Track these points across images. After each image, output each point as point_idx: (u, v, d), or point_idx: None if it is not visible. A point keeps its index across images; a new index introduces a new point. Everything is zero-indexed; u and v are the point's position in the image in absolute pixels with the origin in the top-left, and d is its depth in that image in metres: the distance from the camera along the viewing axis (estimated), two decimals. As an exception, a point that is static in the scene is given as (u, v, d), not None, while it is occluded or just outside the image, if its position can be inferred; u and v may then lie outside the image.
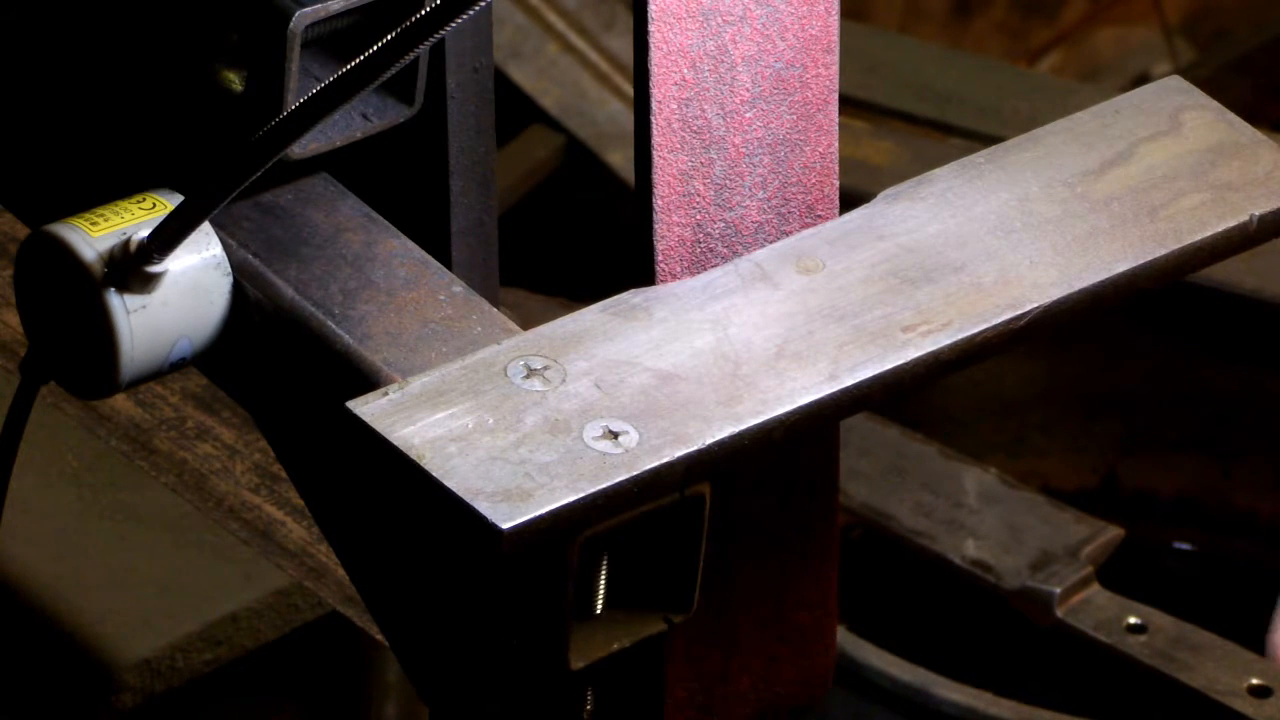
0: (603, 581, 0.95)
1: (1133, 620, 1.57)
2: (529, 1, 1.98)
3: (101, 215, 0.97)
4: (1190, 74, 1.08)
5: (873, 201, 0.99)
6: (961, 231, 0.98)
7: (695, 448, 0.90)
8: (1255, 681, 1.52)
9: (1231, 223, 1.00)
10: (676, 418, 0.90)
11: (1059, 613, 1.59)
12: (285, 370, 0.99)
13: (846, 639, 1.51)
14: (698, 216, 0.97)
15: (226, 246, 0.98)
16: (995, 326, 0.95)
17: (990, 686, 1.52)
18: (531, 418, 0.90)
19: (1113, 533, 1.64)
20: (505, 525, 0.87)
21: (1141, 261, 0.97)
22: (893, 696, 1.52)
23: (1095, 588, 1.60)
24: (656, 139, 0.95)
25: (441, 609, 1.01)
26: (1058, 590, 1.60)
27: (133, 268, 0.96)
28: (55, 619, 1.62)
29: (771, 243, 0.98)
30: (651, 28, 0.95)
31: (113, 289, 0.96)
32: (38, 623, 1.62)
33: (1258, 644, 1.55)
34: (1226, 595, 1.81)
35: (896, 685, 1.52)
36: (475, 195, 1.02)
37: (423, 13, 0.89)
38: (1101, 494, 1.87)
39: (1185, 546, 1.88)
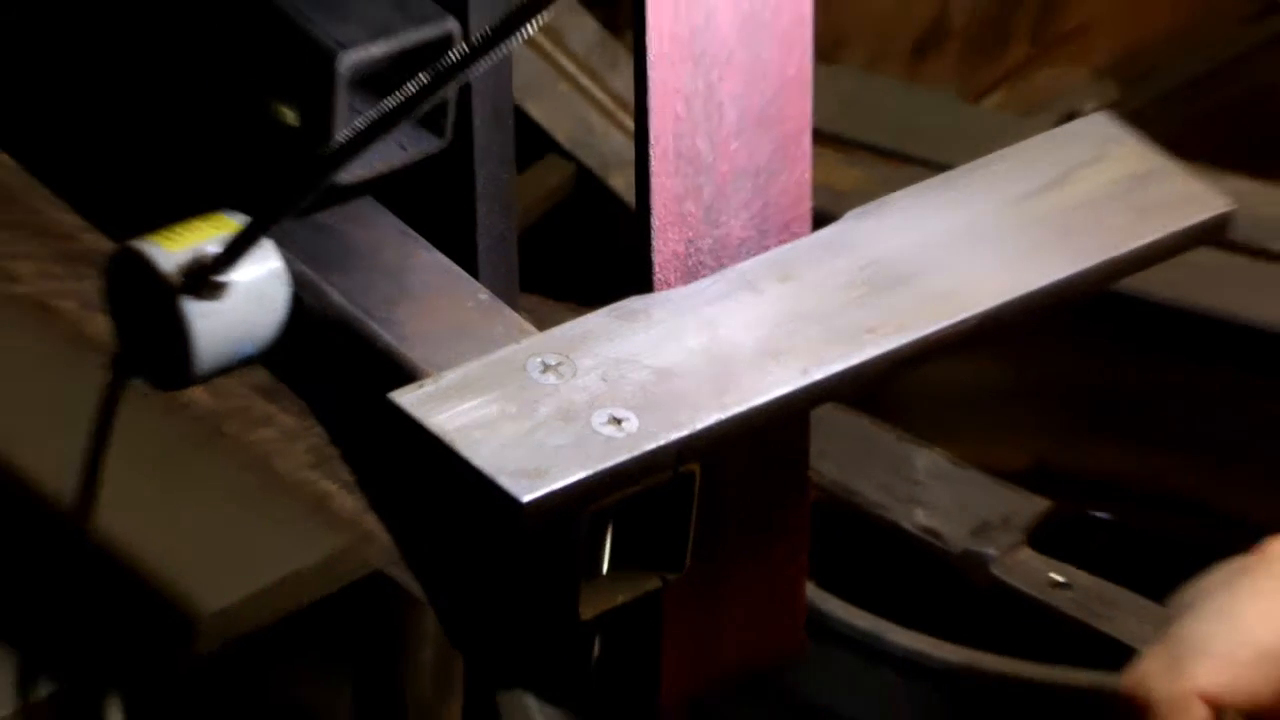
0: (608, 545, 0.95)
1: (1058, 578, 1.57)
2: (543, 46, 1.97)
3: (177, 232, 0.97)
4: (1118, 110, 1.07)
5: (841, 220, 0.99)
6: (918, 246, 0.97)
7: (687, 432, 0.90)
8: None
9: (1150, 238, 0.99)
10: (671, 407, 0.90)
11: (995, 572, 1.59)
12: (336, 366, 0.99)
13: (815, 593, 1.51)
14: (689, 233, 0.97)
15: (284, 259, 0.98)
16: (946, 329, 0.95)
17: (936, 634, 1.52)
18: (546, 407, 0.90)
19: (1041, 504, 1.64)
20: (525, 498, 0.87)
21: (1073, 272, 0.97)
22: (853, 641, 1.52)
23: (1026, 551, 1.60)
24: (654, 166, 0.95)
25: (471, 569, 1.01)
26: (994, 553, 1.60)
27: (204, 278, 0.96)
28: (144, 578, 1.62)
29: (754, 256, 0.98)
30: (650, 70, 0.94)
31: (187, 296, 0.96)
32: (129, 581, 1.62)
33: (1163, 598, 1.55)
34: (1137, 558, 1.81)
35: (856, 631, 1.52)
36: (498, 216, 1.02)
37: (451, 58, 0.88)
38: (1031, 473, 1.86)
39: (1103, 516, 1.88)
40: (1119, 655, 1.50)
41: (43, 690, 1.53)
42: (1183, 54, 3.00)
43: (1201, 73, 2.97)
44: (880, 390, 1.45)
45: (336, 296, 0.98)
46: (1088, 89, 2.79)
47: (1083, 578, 1.55)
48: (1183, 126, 2.86)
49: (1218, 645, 0.97)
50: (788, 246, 0.98)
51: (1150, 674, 0.98)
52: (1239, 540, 1.85)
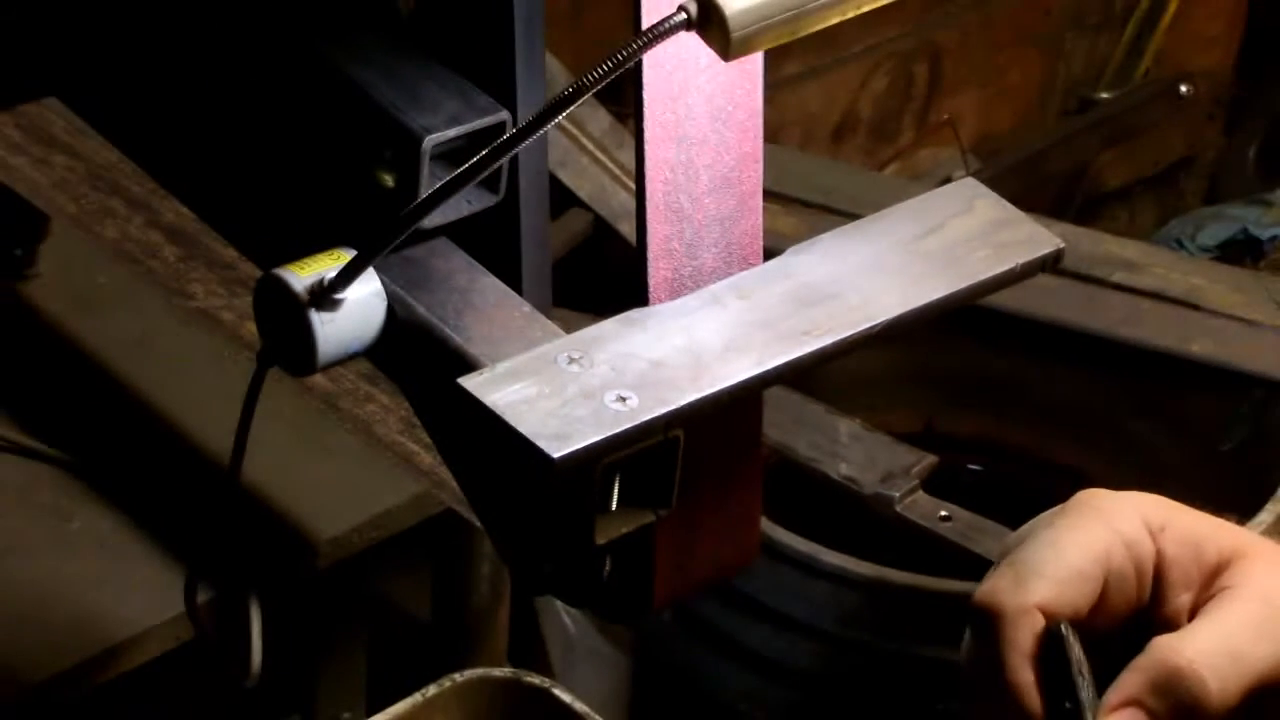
0: (616, 489, 0.94)
1: (943, 513, 1.57)
2: (570, 130, 1.97)
3: (306, 263, 0.96)
4: (978, 177, 1.07)
5: (783, 254, 0.98)
6: (839, 273, 0.97)
7: (673, 408, 0.89)
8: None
9: (1004, 268, 0.99)
10: (662, 389, 0.90)
11: (898, 509, 1.59)
12: (419, 359, 0.98)
13: (767, 525, 1.51)
14: (675, 264, 0.96)
15: (383, 282, 0.98)
16: (859, 333, 0.94)
17: (856, 555, 1.51)
18: (571, 389, 0.89)
19: (931, 459, 1.63)
20: (556, 455, 0.86)
21: (950, 292, 0.97)
22: (794, 560, 1.52)
23: (920, 494, 1.60)
24: (649, 216, 0.95)
25: (516, 506, 1.01)
26: (897, 494, 1.59)
27: (325, 296, 0.95)
28: (279, 512, 1.62)
29: (721, 280, 0.97)
30: (646, 147, 0.94)
31: (313, 309, 0.95)
32: (268, 514, 1.62)
33: (1017, 528, 1.55)
34: (1002, 499, 1.81)
35: (797, 553, 1.52)
36: (537, 251, 1.02)
37: (503, 138, 0.89)
38: (924, 435, 1.86)
39: (976, 468, 1.88)
40: (985, 569, 1.51)
41: (202, 595, 1.52)
42: (1023, 137, 3.00)
43: (1037, 150, 2.98)
44: (812, 376, 1.45)
45: (420, 309, 0.97)
46: (956, 162, 2.79)
47: (961, 513, 1.55)
48: (1025, 188, 2.87)
49: (1048, 568, 0.95)
50: (745, 273, 0.97)
51: (998, 590, 0.96)
52: (1068, 486, 1.86)
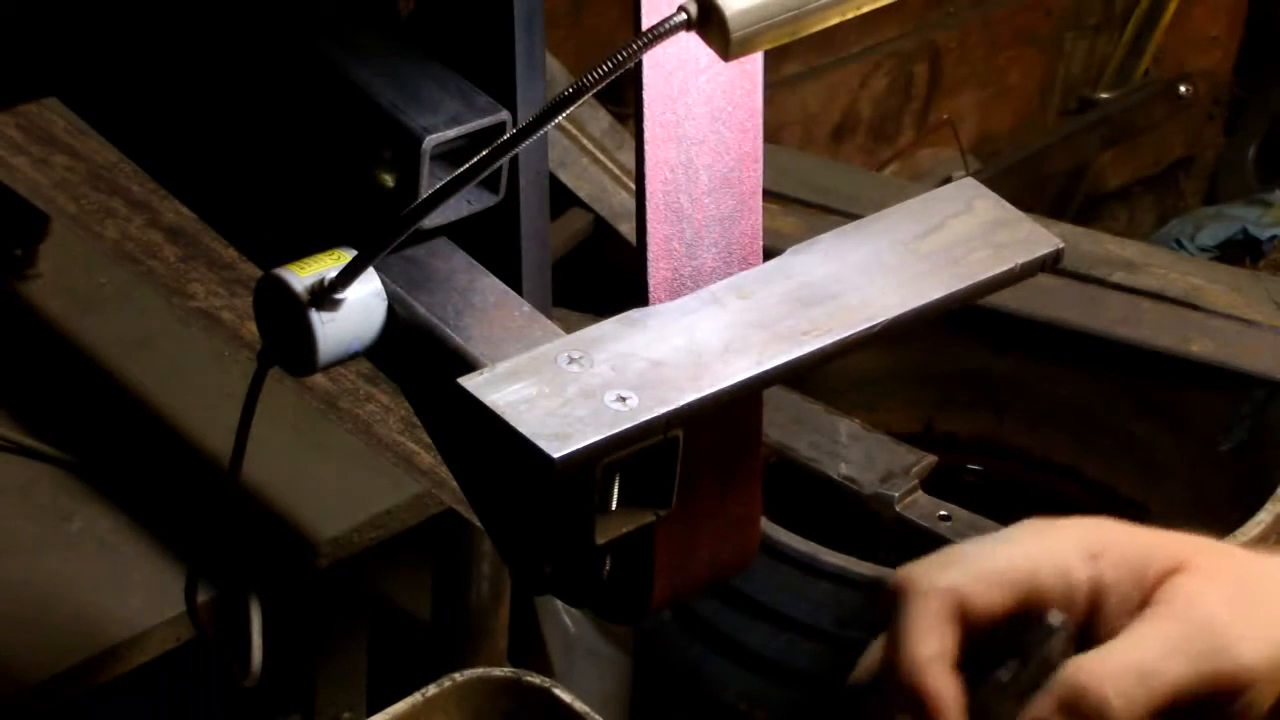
0: (616, 489, 0.95)
1: (942, 513, 1.57)
2: (569, 130, 1.97)
3: (306, 263, 0.96)
4: (977, 177, 1.07)
5: (782, 255, 0.98)
6: (838, 273, 0.97)
7: (673, 407, 0.89)
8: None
9: (1004, 268, 0.99)
10: (662, 388, 0.90)
11: (898, 509, 1.59)
12: (419, 359, 0.98)
13: (767, 525, 1.51)
14: (675, 264, 0.96)
15: (383, 282, 0.98)
16: (858, 333, 0.94)
17: (856, 554, 1.51)
18: (571, 389, 0.89)
19: (931, 459, 1.63)
20: (556, 455, 0.86)
21: (949, 292, 0.97)
22: (793, 560, 1.51)
23: (920, 493, 1.59)
24: (649, 216, 0.95)
25: (516, 506, 1.01)
26: (897, 494, 1.59)
27: (325, 296, 0.95)
28: (279, 511, 1.62)
29: (721, 280, 0.97)
30: (646, 148, 0.94)
31: (313, 309, 0.95)
32: (269, 513, 1.61)
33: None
34: (1002, 499, 1.80)
35: (797, 553, 1.51)
36: (537, 251, 1.02)
37: (503, 139, 0.89)
38: (923, 436, 1.86)
39: (976, 468, 1.87)
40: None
41: (202, 595, 1.52)
42: (1023, 137, 3.00)
43: (1036, 150, 2.97)
44: (811, 376, 1.45)
45: (420, 309, 0.97)
46: (956, 162, 2.79)
47: (960, 512, 1.55)
48: (1025, 188, 2.87)
49: (969, 563, 0.98)
50: (745, 273, 0.97)
51: (916, 571, 0.99)
52: (1068, 486, 1.85)
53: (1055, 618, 0.97)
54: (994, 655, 0.98)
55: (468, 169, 0.89)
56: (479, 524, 1.06)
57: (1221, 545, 1.04)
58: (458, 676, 1.33)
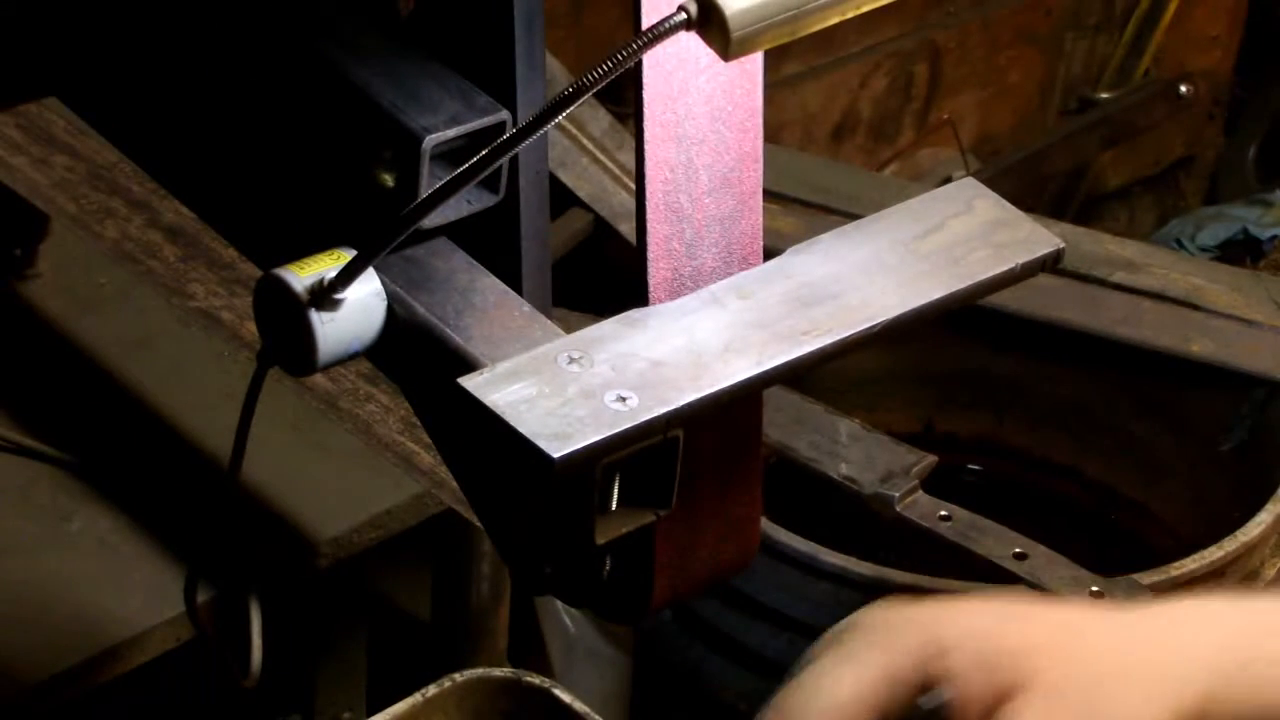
0: (616, 489, 0.95)
1: (942, 513, 1.57)
2: (569, 130, 1.97)
3: (306, 263, 0.96)
4: (977, 177, 1.07)
5: (782, 255, 0.98)
6: (838, 273, 0.97)
7: (673, 407, 0.89)
8: (1017, 550, 1.51)
9: (1004, 268, 0.99)
10: (662, 389, 0.90)
11: (898, 509, 1.58)
12: (419, 359, 0.98)
13: (767, 525, 1.51)
14: (675, 264, 0.96)
15: (383, 282, 0.98)
16: (858, 333, 0.94)
17: (856, 554, 1.51)
18: (572, 388, 0.89)
19: (930, 459, 1.63)
20: (556, 455, 0.86)
21: (949, 292, 0.97)
22: (794, 560, 1.51)
23: (920, 493, 1.59)
24: (649, 216, 0.95)
25: (516, 506, 1.01)
26: (897, 494, 1.59)
27: (325, 296, 0.95)
28: (279, 511, 1.62)
29: (721, 280, 0.97)
30: (646, 148, 0.94)
31: (313, 309, 0.95)
32: (269, 513, 1.61)
33: (1017, 528, 1.54)
34: (1002, 499, 1.80)
35: (797, 553, 1.51)
36: (537, 251, 1.02)
37: (503, 139, 0.89)
38: (923, 436, 1.86)
39: (976, 468, 1.87)
40: (985, 569, 1.51)
41: (202, 595, 1.52)
42: (1023, 137, 3.00)
43: (1036, 150, 2.97)
44: (811, 376, 1.45)
45: (420, 309, 0.97)
46: (956, 162, 2.79)
47: (960, 512, 1.54)
48: (1025, 188, 2.87)
49: (810, 715, 0.95)
50: (745, 273, 0.97)
51: None
52: (1068, 485, 1.84)
53: (930, 701, 0.95)
54: None
55: (468, 169, 0.89)
56: (479, 524, 1.06)
57: (1083, 623, 0.98)
58: (458, 677, 1.33)
